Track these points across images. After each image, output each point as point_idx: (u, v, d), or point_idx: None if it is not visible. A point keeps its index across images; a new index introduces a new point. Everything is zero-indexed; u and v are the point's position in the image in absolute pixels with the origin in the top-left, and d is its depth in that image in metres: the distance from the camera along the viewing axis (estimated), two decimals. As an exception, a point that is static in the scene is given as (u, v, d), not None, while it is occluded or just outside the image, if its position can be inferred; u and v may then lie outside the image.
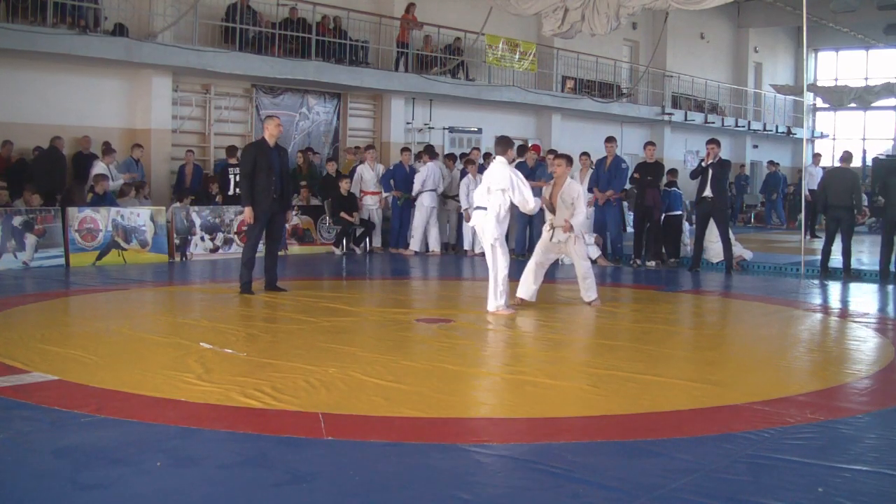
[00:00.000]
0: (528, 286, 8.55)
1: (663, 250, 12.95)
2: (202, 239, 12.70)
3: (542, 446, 4.17)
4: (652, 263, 12.62)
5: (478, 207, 8.17)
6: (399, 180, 14.15)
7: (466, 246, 14.13)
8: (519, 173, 8.15)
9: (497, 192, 7.93)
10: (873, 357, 6.48)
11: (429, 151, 14.45)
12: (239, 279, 9.08)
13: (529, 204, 8.08)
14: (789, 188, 25.32)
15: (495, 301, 8.02)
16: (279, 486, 3.57)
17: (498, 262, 7.98)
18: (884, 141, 33.28)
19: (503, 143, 8.26)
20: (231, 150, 13.80)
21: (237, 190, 12.20)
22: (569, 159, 8.84)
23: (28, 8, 12.58)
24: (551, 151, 14.23)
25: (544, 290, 8.85)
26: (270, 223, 9.17)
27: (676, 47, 26.90)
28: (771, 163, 25.04)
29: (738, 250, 12.49)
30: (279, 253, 10.00)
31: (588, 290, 8.62)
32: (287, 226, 13.44)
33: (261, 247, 9.30)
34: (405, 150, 14.81)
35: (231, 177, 13.03)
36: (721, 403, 4.96)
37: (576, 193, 8.51)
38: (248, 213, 8.91)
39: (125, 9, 13.90)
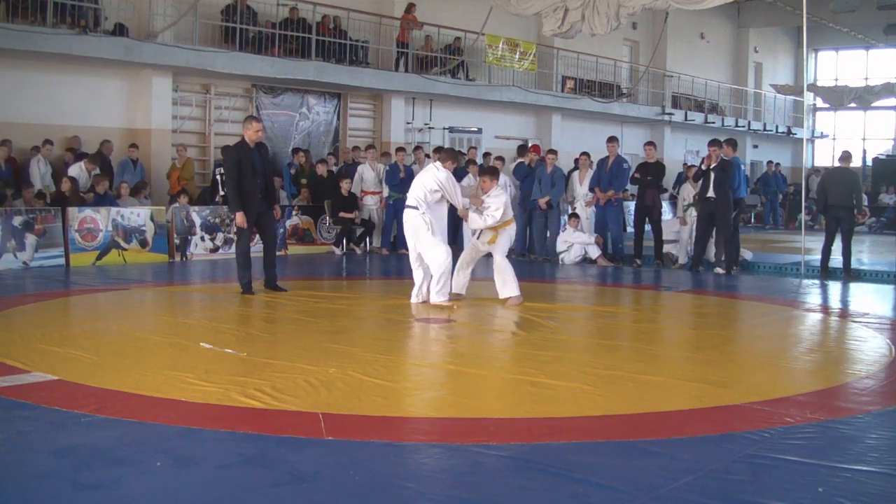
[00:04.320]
0: (459, 281, 8.79)
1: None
2: (202, 239, 12.69)
3: (542, 446, 4.16)
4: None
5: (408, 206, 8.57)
6: (396, 180, 13.96)
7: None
8: (452, 178, 8.60)
9: (431, 192, 8.46)
10: (873, 357, 6.47)
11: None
12: (239, 281, 9.09)
13: (458, 205, 8.69)
14: (789, 188, 25.34)
15: (438, 293, 8.35)
16: (279, 486, 3.57)
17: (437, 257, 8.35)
18: (884, 141, 33.29)
19: (450, 155, 8.78)
20: (226, 150, 13.77)
21: (223, 190, 12.02)
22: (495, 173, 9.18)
23: (28, 8, 12.57)
24: (551, 151, 14.26)
25: (544, 289, 8.84)
26: (261, 222, 9.13)
27: (676, 47, 26.89)
28: (770, 163, 25.03)
29: (738, 250, 12.47)
30: (279, 253, 9.96)
31: (505, 285, 8.60)
32: (287, 225, 13.43)
33: (259, 247, 9.27)
34: (400, 149, 14.61)
35: (217, 177, 12.95)
36: (721, 403, 4.96)
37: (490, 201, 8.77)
38: (240, 219, 8.78)
39: (125, 9, 13.90)
